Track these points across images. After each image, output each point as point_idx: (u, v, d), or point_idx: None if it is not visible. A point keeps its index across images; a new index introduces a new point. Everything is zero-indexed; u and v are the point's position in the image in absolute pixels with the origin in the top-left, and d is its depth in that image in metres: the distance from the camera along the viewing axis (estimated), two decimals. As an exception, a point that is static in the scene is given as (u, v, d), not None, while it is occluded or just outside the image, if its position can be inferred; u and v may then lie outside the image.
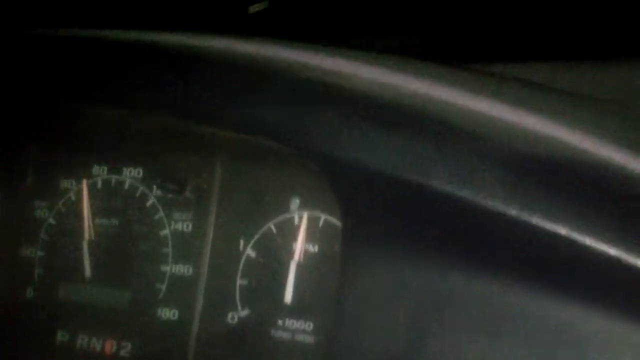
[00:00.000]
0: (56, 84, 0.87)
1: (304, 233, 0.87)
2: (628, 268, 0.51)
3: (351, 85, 0.67)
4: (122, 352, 0.95)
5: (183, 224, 0.94)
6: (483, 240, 0.59)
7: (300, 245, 0.86)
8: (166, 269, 0.94)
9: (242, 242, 0.90)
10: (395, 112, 0.63)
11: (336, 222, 0.85)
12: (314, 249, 0.86)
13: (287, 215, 0.89)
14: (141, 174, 0.99)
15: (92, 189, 1.01)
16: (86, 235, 0.98)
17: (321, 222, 0.87)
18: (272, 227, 0.89)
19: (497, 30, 0.91)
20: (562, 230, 0.53)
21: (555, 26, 0.89)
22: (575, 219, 0.54)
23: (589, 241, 0.53)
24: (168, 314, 0.93)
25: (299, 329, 0.85)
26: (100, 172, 1.01)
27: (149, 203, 0.97)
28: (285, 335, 0.86)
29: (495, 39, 0.91)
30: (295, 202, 0.89)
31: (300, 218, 0.88)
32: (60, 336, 0.99)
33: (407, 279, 0.62)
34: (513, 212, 0.55)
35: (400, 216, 0.63)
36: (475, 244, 0.59)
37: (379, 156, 0.61)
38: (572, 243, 0.53)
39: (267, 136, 0.69)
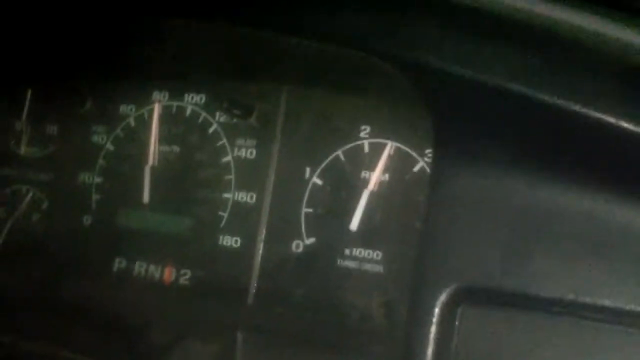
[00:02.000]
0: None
1: (371, 160, 0.84)
2: None
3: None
4: (182, 280, 0.94)
5: (247, 150, 0.92)
6: (590, 156, 0.56)
7: (376, 174, 0.83)
8: (228, 196, 0.92)
9: (308, 170, 0.88)
10: (502, 22, 0.60)
11: (407, 149, 0.83)
12: (384, 177, 0.84)
13: (357, 143, 0.86)
14: (203, 99, 0.97)
15: (151, 115, 0.99)
16: (150, 161, 0.96)
17: (392, 150, 0.84)
18: (341, 154, 0.87)
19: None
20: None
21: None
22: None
23: None
24: (230, 241, 0.91)
25: (367, 258, 0.83)
26: (160, 98, 0.99)
27: (211, 130, 0.95)
28: (352, 264, 0.84)
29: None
30: (365, 130, 0.86)
31: (370, 145, 0.85)
32: (118, 263, 0.98)
33: (505, 197, 0.60)
34: (625, 124, 0.52)
35: (500, 130, 0.60)
36: (581, 159, 0.57)
37: (482, 67, 0.58)
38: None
39: (363, 49, 0.66)
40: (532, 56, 0.58)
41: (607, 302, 0.56)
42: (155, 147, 0.96)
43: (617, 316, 0.56)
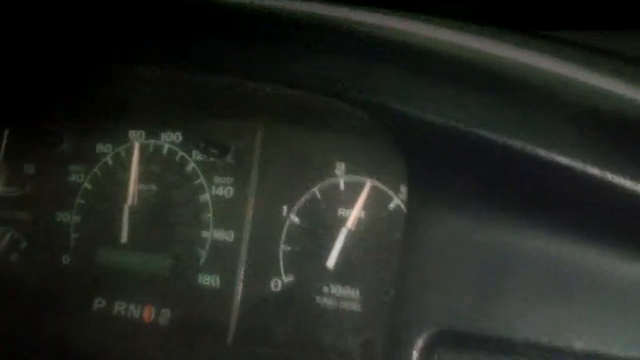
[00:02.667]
0: (92, 44, 0.85)
1: (347, 198, 0.85)
2: None
3: (424, 44, 0.65)
4: (161, 320, 0.94)
5: (224, 189, 0.93)
6: (559, 199, 0.57)
7: (354, 212, 0.84)
8: (207, 234, 0.93)
9: (285, 208, 0.89)
10: (471, 71, 0.61)
11: (382, 187, 0.84)
12: (360, 214, 0.85)
13: (332, 181, 0.87)
14: (180, 138, 0.97)
15: (128, 154, 0.99)
16: (129, 201, 0.96)
17: (367, 188, 0.85)
18: (317, 192, 0.87)
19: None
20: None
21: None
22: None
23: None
24: (209, 280, 0.91)
25: (345, 296, 0.84)
26: (137, 136, 0.99)
27: (188, 168, 0.95)
28: (330, 302, 0.84)
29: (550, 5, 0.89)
30: (340, 167, 0.87)
31: (345, 183, 0.86)
32: (98, 303, 0.98)
33: (477, 239, 0.61)
34: (592, 170, 0.53)
35: (471, 174, 0.61)
36: (551, 202, 0.58)
37: (453, 113, 0.59)
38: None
39: (332, 95, 0.67)
40: (501, 103, 0.59)
41: (579, 346, 0.57)
42: (134, 186, 0.96)
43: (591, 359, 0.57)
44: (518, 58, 0.62)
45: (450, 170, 0.64)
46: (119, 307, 0.96)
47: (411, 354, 0.62)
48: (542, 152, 0.56)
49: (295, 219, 0.88)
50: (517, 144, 0.57)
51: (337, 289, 0.84)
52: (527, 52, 0.63)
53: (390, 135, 0.67)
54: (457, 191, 0.64)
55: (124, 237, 0.97)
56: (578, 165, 0.55)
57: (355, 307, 0.83)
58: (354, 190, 0.85)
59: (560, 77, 0.60)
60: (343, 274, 0.84)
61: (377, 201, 0.84)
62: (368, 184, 0.85)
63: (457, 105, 0.60)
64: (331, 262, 0.84)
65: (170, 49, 0.80)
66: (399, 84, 0.64)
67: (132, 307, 0.95)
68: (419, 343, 0.61)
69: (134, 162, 0.97)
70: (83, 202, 1.01)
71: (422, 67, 0.64)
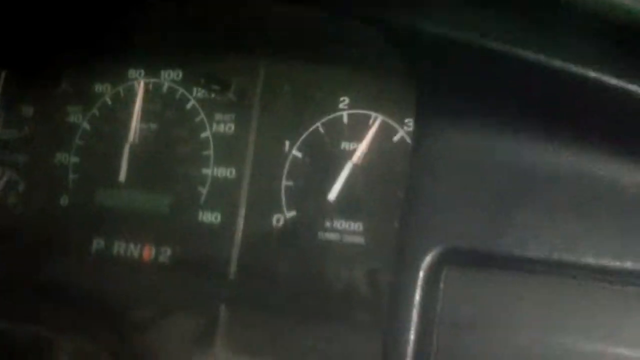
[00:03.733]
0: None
1: (350, 131, 0.84)
2: None
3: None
4: (161, 258, 0.93)
5: (225, 125, 0.92)
6: (574, 113, 0.56)
7: (359, 145, 0.83)
8: (207, 171, 0.92)
9: (287, 143, 0.88)
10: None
11: (387, 119, 0.83)
12: (363, 147, 0.84)
13: (336, 114, 0.85)
14: (180, 76, 0.96)
15: (128, 93, 0.98)
16: (130, 139, 0.95)
17: (371, 120, 0.84)
18: (320, 127, 0.86)
19: None
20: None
21: None
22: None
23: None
24: (210, 217, 0.90)
25: (348, 230, 0.83)
26: (136, 75, 0.98)
27: (189, 105, 0.94)
28: (334, 236, 0.83)
29: None
30: (343, 101, 0.85)
31: (349, 116, 0.84)
32: (97, 243, 0.97)
33: (489, 157, 0.59)
34: (608, 80, 0.52)
35: (484, 90, 0.60)
36: (565, 116, 0.57)
37: (465, 27, 0.58)
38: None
39: (342, 12, 0.65)
40: (515, 14, 0.57)
41: (590, 260, 0.56)
42: (136, 124, 0.95)
43: (601, 273, 0.56)
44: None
45: (460, 88, 0.63)
46: (118, 247, 0.95)
47: (417, 274, 0.61)
48: (558, 63, 0.55)
49: (297, 153, 0.87)
50: (530, 56, 0.56)
51: (340, 223, 0.83)
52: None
53: (401, 58, 0.66)
54: (466, 111, 0.63)
55: (123, 176, 0.96)
56: (593, 75, 0.54)
57: (359, 240, 0.82)
58: (358, 124, 0.84)
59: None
60: (346, 207, 0.83)
61: (381, 134, 0.83)
62: (372, 117, 0.83)
63: (469, 19, 0.59)
64: (333, 195, 0.83)
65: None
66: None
67: (131, 246, 0.94)
68: (426, 261, 0.60)
69: (137, 100, 0.95)
70: (81, 142, 1.00)
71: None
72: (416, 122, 0.67)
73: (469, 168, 0.61)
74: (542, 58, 0.55)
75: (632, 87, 0.52)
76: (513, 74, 0.57)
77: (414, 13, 0.59)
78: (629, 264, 0.55)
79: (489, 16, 0.59)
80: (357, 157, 0.82)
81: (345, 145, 0.84)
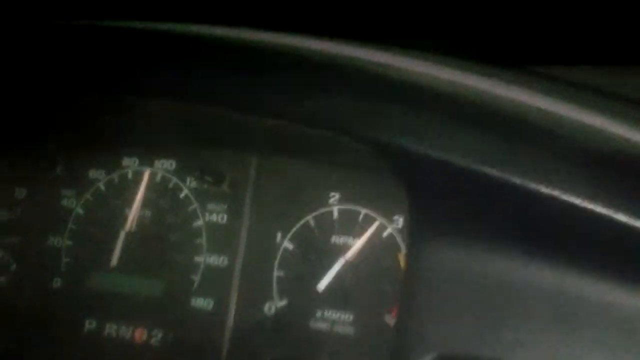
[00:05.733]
0: (89, 74, 0.87)
1: (341, 226, 0.88)
2: None
3: (427, 82, 0.69)
4: (153, 341, 0.96)
5: (218, 215, 0.96)
6: (561, 235, 0.61)
7: (338, 238, 0.88)
8: (200, 259, 0.95)
9: (279, 235, 0.92)
10: (470, 108, 0.65)
11: (375, 215, 0.88)
12: (353, 242, 0.88)
13: (326, 209, 0.90)
14: (174, 166, 1.00)
15: (122, 179, 1.02)
16: (127, 226, 0.98)
17: (361, 216, 0.89)
18: (311, 220, 0.91)
19: (531, 32, 0.94)
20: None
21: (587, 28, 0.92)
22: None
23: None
24: (202, 303, 0.94)
25: (338, 320, 0.87)
26: (131, 163, 1.02)
27: (182, 195, 0.98)
28: (324, 325, 0.88)
29: (531, 41, 0.94)
30: (334, 197, 0.90)
31: (339, 211, 0.89)
32: (89, 324, 0.99)
33: (477, 270, 0.64)
34: (591, 206, 0.58)
35: (471, 208, 0.65)
36: (549, 236, 0.62)
37: (458, 151, 0.64)
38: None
39: (336, 130, 0.70)
40: (503, 141, 0.63)
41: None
42: (135, 212, 0.98)
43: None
44: (517, 97, 0.66)
45: (450, 204, 0.68)
46: (110, 328, 0.98)
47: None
48: (542, 189, 0.60)
49: (289, 245, 0.91)
50: (519, 181, 0.61)
51: (330, 314, 0.87)
52: (525, 91, 0.67)
53: (390, 170, 0.71)
54: (457, 224, 0.68)
55: (115, 261, 0.99)
56: (576, 201, 0.59)
57: (349, 330, 0.86)
58: (347, 219, 0.89)
59: (558, 116, 0.65)
60: (337, 298, 0.88)
61: (370, 229, 0.88)
62: (362, 214, 0.88)
63: (459, 143, 0.64)
64: (322, 285, 0.87)
65: (169, 81, 0.82)
66: (403, 121, 0.67)
67: (123, 328, 0.97)
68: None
69: (140, 189, 0.99)
70: (75, 227, 1.03)
71: (426, 105, 0.68)
72: (410, 228, 0.71)
73: (461, 278, 0.66)
74: (531, 184, 0.60)
75: (618, 217, 0.57)
76: (503, 196, 0.62)
77: (403, 133, 0.65)
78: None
79: (478, 140, 0.65)
80: (350, 254, 0.87)
81: (335, 239, 0.89)
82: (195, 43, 0.83)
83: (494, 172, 0.62)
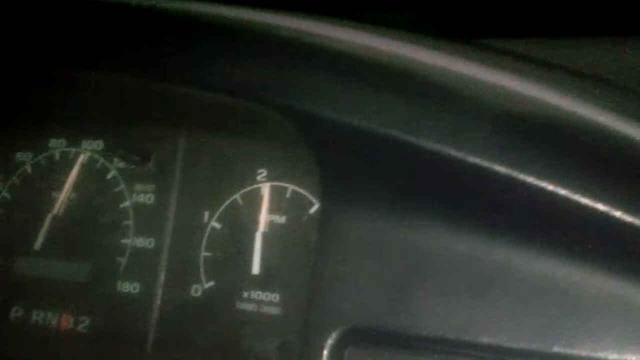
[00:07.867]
0: (16, 46, 0.84)
1: (268, 203, 0.85)
2: (617, 224, 0.51)
3: (338, 47, 0.66)
4: (80, 328, 0.93)
5: (145, 195, 0.93)
6: (469, 198, 0.59)
7: (265, 216, 0.85)
8: (127, 241, 0.92)
9: (206, 214, 0.89)
10: (383, 72, 0.62)
11: (303, 192, 0.85)
12: (281, 219, 0.85)
13: (254, 186, 0.87)
14: (101, 146, 0.97)
15: (49, 162, 0.98)
16: (55, 210, 0.95)
17: (288, 193, 0.86)
18: (238, 198, 0.88)
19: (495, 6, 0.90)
20: (549, 187, 0.53)
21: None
22: (563, 175, 0.54)
23: (577, 197, 0.53)
24: (129, 287, 0.91)
25: (265, 301, 0.84)
26: (58, 145, 0.99)
27: (109, 175, 0.95)
28: (251, 306, 0.84)
29: (493, 15, 0.90)
30: (261, 173, 0.87)
31: (267, 189, 0.86)
32: (15, 312, 0.96)
33: (389, 238, 0.62)
34: (501, 169, 0.55)
35: (384, 175, 0.63)
36: (461, 201, 0.59)
37: (365, 115, 0.61)
38: (559, 199, 0.53)
39: (250, 98, 0.67)
40: (413, 104, 0.60)
41: (486, 340, 0.58)
42: (64, 195, 0.95)
43: (498, 354, 0.58)
44: (432, 61, 0.63)
45: (362, 171, 0.65)
46: (37, 316, 0.95)
47: (322, 354, 0.62)
48: (452, 152, 0.57)
49: (216, 224, 0.88)
50: (427, 144, 0.58)
51: (257, 294, 0.84)
52: (441, 56, 0.64)
53: (304, 139, 0.68)
54: (369, 192, 0.65)
55: (39, 245, 0.96)
56: (486, 164, 0.56)
57: (275, 310, 0.83)
58: (275, 196, 0.86)
59: (472, 79, 0.62)
60: (264, 278, 0.84)
61: (298, 206, 0.84)
62: (290, 189, 0.85)
63: (369, 107, 0.61)
64: (255, 268, 0.84)
65: (96, 52, 0.79)
66: (312, 86, 0.65)
67: (50, 315, 0.94)
68: (330, 341, 0.62)
69: (68, 171, 0.96)
70: (1, 211, 0.99)
71: (336, 70, 0.65)
72: (322, 199, 0.69)
73: (372, 247, 0.63)
74: (438, 147, 0.57)
75: (522, 177, 0.54)
76: (411, 160, 0.59)
77: (313, 100, 0.62)
78: (522, 344, 0.57)
79: (387, 103, 0.61)
80: (262, 225, 0.84)
81: (262, 217, 0.86)
82: (120, 13, 0.80)
83: (403, 136, 0.59)
